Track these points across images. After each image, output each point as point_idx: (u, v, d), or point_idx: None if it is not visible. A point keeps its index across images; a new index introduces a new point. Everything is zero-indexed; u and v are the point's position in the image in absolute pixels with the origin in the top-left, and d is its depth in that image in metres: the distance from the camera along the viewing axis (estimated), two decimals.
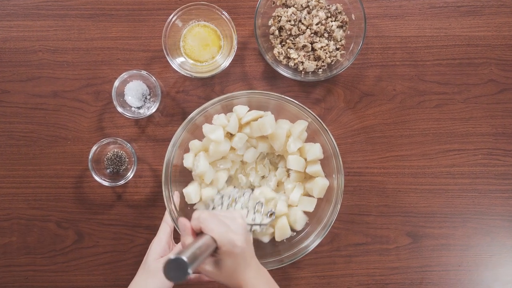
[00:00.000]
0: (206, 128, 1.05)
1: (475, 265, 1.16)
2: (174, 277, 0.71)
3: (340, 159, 1.04)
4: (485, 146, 1.16)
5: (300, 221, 1.08)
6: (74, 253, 1.16)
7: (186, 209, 1.10)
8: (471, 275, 1.16)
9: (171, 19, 1.09)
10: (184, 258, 0.70)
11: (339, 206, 1.05)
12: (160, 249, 0.98)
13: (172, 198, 1.05)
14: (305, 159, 1.08)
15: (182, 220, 0.83)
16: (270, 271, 1.12)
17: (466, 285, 1.17)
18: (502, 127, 1.16)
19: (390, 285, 1.16)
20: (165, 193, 1.04)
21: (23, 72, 1.15)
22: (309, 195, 1.10)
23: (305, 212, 1.10)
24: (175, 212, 1.04)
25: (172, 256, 0.71)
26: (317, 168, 1.07)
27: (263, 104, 1.09)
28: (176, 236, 1.04)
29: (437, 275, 1.16)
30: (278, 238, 1.08)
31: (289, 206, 1.09)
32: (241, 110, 1.06)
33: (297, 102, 1.04)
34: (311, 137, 1.10)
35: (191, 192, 1.06)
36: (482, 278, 1.16)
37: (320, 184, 1.06)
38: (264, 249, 1.10)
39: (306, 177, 1.11)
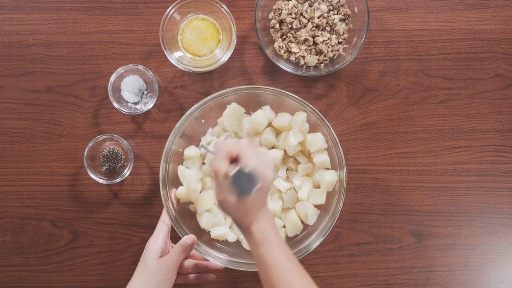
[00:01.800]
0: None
1: (481, 265, 1.16)
2: (244, 188, 0.73)
3: (341, 150, 1.03)
4: (491, 143, 1.15)
5: (312, 215, 1.08)
6: (69, 252, 1.15)
7: (184, 208, 1.09)
8: (477, 275, 1.16)
9: (169, 12, 1.08)
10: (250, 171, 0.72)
11: (341, 204, 1.04)
12: (157, 249, 0.97)
13: (169, 196, 1.05)
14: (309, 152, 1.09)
15: (219, 143, 0.83)
16: None
17: (472, 286, 1.16)
18: (509, 123, 1.15)
19: (394, 286, 1.15)
20: (162, 191, 1.03)
21: (16, 67, 1.14)
22: (318, 187, 1.10)
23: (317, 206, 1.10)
24: (173, 210, 1.04)
25: (237, 169, 0.73)
26: (324, 158, 1.07)
27: (262, 100, 1.09)
28: (174, 236, 1.03)
29: (442, 276, 1.16)
30: (290, 234, 1.08)
31: (299, 201, 1.09)
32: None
33: (297, 97, 1.03)
34: (311, 131, 1.10)
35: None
36: (489, 279, 1.16)
37: (327, 180, 1.05)
38: None
39: (314, 168, 1.11)
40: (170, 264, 0.95)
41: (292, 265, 0.82)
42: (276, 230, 0.85)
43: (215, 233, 1.08)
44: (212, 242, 1.09)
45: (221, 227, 1.09)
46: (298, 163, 1.10)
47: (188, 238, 0.98)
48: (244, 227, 0.83)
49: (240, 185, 0.74)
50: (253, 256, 0.85)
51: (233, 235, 1.09)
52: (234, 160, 0.82)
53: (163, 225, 1.00)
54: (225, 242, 1.10)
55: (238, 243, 1.10)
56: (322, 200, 1.07)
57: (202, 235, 1.09)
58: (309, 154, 1.09)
